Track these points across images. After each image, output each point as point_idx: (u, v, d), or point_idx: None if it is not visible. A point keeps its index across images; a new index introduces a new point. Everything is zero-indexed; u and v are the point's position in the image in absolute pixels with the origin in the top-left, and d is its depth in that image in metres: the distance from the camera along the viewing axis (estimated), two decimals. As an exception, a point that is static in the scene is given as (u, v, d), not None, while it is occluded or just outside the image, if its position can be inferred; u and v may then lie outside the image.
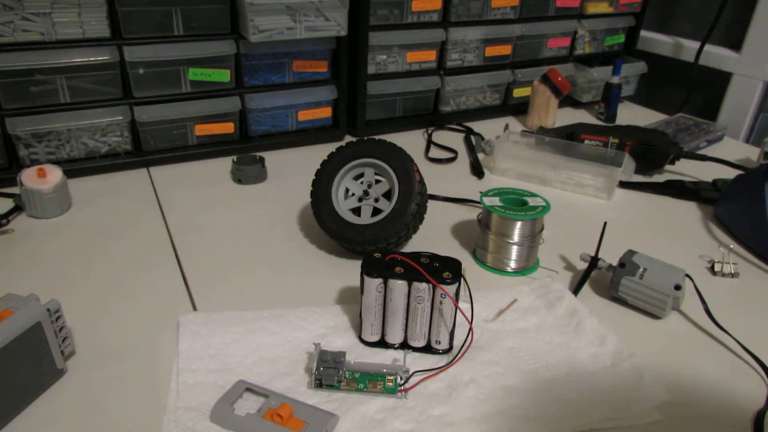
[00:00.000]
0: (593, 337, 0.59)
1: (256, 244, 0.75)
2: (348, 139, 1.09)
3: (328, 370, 0.51)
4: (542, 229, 0.71)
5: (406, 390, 0.52)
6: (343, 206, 0.71)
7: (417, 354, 0.57)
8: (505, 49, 1.17)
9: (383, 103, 1.10)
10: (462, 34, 1.09)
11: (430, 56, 1.10)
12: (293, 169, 0.96)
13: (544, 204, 0.70)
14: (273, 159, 0.98)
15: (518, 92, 1.23)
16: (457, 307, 0.55)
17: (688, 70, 1.28)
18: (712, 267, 0.73)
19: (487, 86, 1.19)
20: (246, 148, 1.00)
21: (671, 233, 0.82)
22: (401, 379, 0.52)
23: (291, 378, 0.53)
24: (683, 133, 1.14)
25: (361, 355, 0.56)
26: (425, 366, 0.54)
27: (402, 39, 1.04)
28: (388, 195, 0.71)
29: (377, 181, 0.72)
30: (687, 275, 0.63)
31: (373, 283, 0.54)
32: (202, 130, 0.96)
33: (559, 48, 1.24)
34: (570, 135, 1.02)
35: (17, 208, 0.79)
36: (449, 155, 1.04)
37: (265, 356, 0.55)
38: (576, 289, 0.67)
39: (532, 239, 0.70)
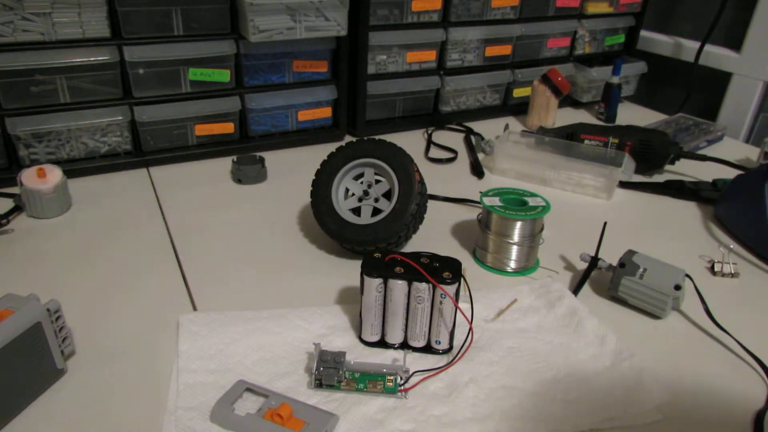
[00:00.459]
0: (593, 337, 0.59)
1: (256, 244, 0.75)
2: (348, 139, 1.09)
3: (328, 370, 0.51)
4: (542, 229, 0.71)
5: (406, 390, 0.52)
6: (343, 206, 0.71)
7: (417, 354, 0.57)
8: (505, 49, 1.17)
9: (383, 103, 1.10)
10: (462, 34, 1.09)
11: (430, 56, 1.10)
12: (293, 169, 0.96)
13: (544, 204, 0.70)
14: (273, 159, 0.98)
15: (518, 92, 1.23)
16: (457, 307, 0.55)
17: (688, 70, 1.28)
18: (712, 267, 0.73)
19: (487, 86, 1.19)
20: (246, 148, 1.00)
21: (671, 233, 0.82)
22: (401, 379, 0.52)
23: (291, 378, 0.53)
24: (683, 133, 1.14)
25: (361, 355, 0.56)
26: (425, 366, 0.54)
27: (402, 39, 1.04)
28: (388, 195, 0.71)
29: (377, 181, 0.72)
30: (687, 275, 0.63)
31: (373, 283, 0.54)
32: (202, 130, 0.96)
33: (559, 48, 1.24)
34: (570, 135, 1.02)
35: (17, 208, 0.79)
36: (449, 155, 1.04)
37: (265, 356, 0.55)
38: (576, 289, 0.67)
39: (532, 239, 0.70)
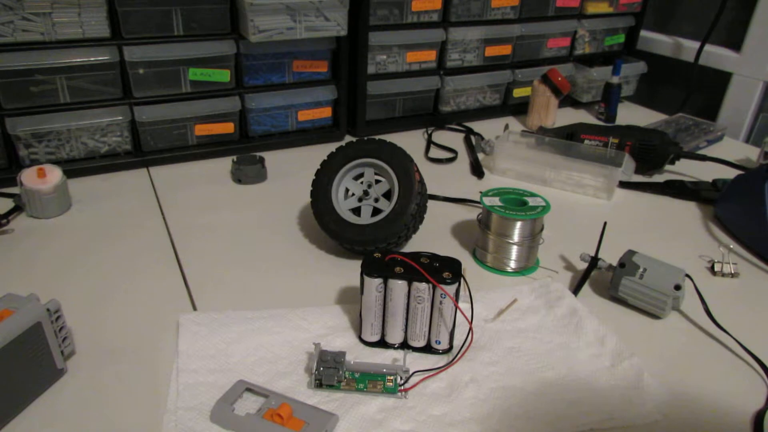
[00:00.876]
0: (593, 337, 0.59)
1: (256, 244, 0.75)
2: (348, 139, 1.09)
3: (328, 370, 0.51)
4: (542, 229, 0.71)
5: (406, 390, 0.52)
6: (343, 206, 0.71)
7: (417, 354, 0.57)
8: (505, 49, 1.17)
9: (383, 103, 1.10)
10: (462, 34, 1.09)
11: (430, 56, 1.10)
12: (293, 169, 0.96)
13: (544, 204, 0.70)
14: (273, 159, 0.98)
15: (518, 92, 1.23)
16: (457, 307, 0.55)
17: (688, 70, 1.28)
18: (712, 267, 0.73)
19: (487, 86, 1.19)
20: (246, 148, 1.00)
21: (671, 233, 0.82)
22: (401, 379, 0.52)
23: (291, 378, 0.53)
24: (683, 133, 1.14)
25: (361, 355, 0.56)
26: (425, 366, 0.54)
27: (402, 39, 1.04)
28: (388, 195, 0.71)
29: (377, 181, 0.72)
30: (687, 275, 0.63)
31: (373, 283, 0.54)
32: (202, 130, 0.96)
33: (559, 48, 1.24)
34: (570, 135, 1.02)
35: (17, 208, 0.79)
36: (449, 155, 1.04)
37: (265, 356, 0.55)
38: (576, 289, 0.67)
39: (532, 239, 0.70)
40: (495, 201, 0.70)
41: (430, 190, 0.91)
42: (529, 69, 1.21)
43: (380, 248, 0.68)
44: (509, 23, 1.14)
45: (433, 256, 0.56)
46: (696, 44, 1.27)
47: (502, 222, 0.69)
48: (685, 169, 1.01)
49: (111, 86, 0.87)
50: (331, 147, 0.84)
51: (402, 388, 0.52)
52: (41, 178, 0.77)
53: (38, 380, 0.50)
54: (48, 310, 0.50)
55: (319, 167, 0.73)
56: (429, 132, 1.14)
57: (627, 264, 0.64)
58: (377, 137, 0.73)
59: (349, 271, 0.70)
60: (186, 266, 0.69)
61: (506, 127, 1.13)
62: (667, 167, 1.00)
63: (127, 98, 0.89)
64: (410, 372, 0.53)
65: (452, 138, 1.13)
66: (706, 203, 0.90)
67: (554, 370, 0.55)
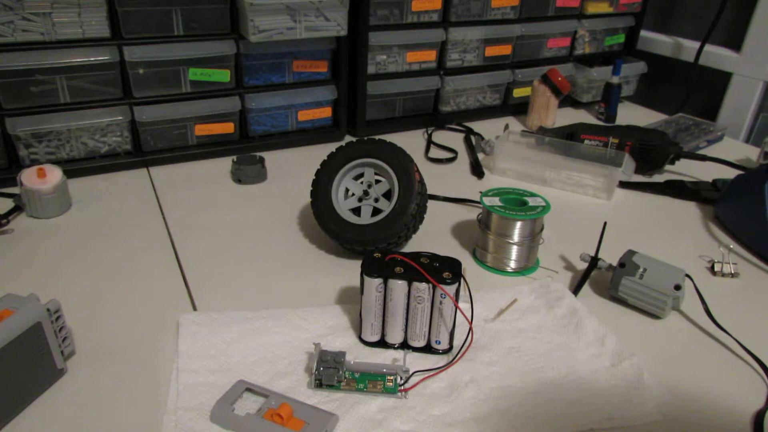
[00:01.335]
0: (593, 337, 0.59)
1: (256, 244, 0.75)
2: (348, 139, 1.09)
3: (328, 370, 0.51)
4: (542, 229, 0.71)
5: (406, 390, 0.52)
6: (343, 206, 0.71)
7: (417, 354, 0.57)
8: (505, 49, 1.17)
9: (383, 103, 1.10)
10: (462, 34, 1.09)
11: (430, 56, 1.10)
12: (293, 169, 0.96)
13: (544, 204, 0.70)
14: (273, 159, 0.98)
15: (518, 92, 1.23)
16: (457, 307, 0.55)
17: (688, 70, 1.28)
18: (712, 267, 0.73)
19: (487, 86, 1.19)
20: (246, 148, 1.00)
21: (671, 233, 0.82)
22: (401, 379, 0.52)
23: (291, 378, 0.53)
24: (683, 133, 1.14)
25: (361, 355, 0.56)
26: (425, 366, 0.54)
27: (402, 39, 1.04)
28: (388, 195, 0.71)
29: (377, 181, 0.72)
30: (687, 275, 0.63)
31: (373, 283, 0.54)
32: (202, 130, 0.96)
33: (559, 48, 1.24)
34: (570, 135, 1.02)
35: (17, 208, 0.79)
36: (449, 155, 1.04)
37: (265, 356, 0.55)
38: (576, 289, 0.67)
39: (532, 239, 0.70)
40: (495, 201, 0.70)
41: (430, 190, 0.91)
42: (529, 69, 1.21)
43: (380, 248, 0.68)
44: (509, 23, 1.14)
45: (433, 256, 0.56)
46: (696, 44, 1.27)
47: (502, 222, 0.69)
48: (685, 169, 1.01)
49: (111, 86, 0.87)
50: (331, 147, 0.84)
51: (402, 388, 0.52)
52: (41, 178, 0.77)
53: (38, 380, 0.50)
54: (48, 310, 0.50)
55: (319, 167, 0.73)
56: (429, 132, 1.14)
57: (627, 264, 0.64)
58: (377, 137, 0.73)
59: (349, 271, 0.70)
60: (186, 266, 0.69)
61: (506, 127, 1.13)
62: (667, 167, 1.00)
63: (127, 98, 0.89)
64: (410, 372, 0.53)
65: (452, 138, 1.13)
66: (706, 203, 0.90)
67: (554, 370, 0.55)
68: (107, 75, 0.86)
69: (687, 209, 0.89)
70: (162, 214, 0.81)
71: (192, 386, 0.51)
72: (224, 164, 0.96)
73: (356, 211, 0.72)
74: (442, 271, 0.54)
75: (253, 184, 0.90)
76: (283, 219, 0.81)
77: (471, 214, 0.84)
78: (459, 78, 1.13)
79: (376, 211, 0.71)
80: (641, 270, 0.63)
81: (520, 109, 1.24)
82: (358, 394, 0.51)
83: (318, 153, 0.91)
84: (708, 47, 1.25)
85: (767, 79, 1.17)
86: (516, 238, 0.69)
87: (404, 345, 0.57)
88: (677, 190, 0.92)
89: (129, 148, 0.93)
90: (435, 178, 0.95)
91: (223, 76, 0.94)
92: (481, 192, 0.72)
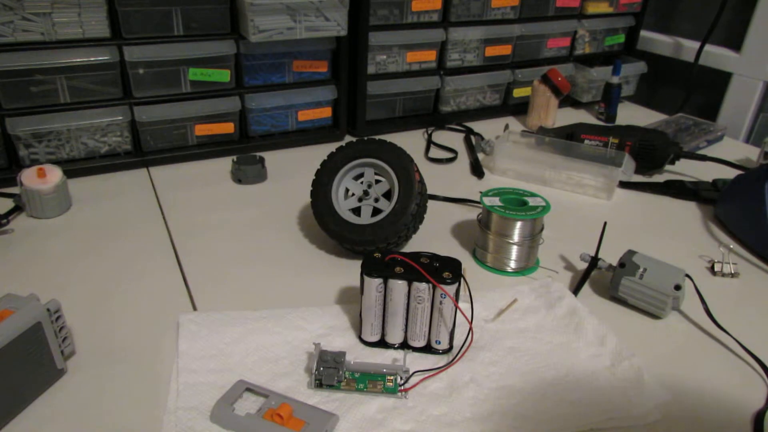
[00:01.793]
0: (593, 337, 0.59)
1: (256, 244, 0.75)
2: (348, 139, 1.09)
3: (328, 370, 0.51)
4: (542, 229, 0.71)
5: (406, 390, 0.52)
6: (343, 206, 0.71)
7: (417, 354, 0.57)
8: (505, 49, 1.17)
9: (383, 103, 1.10)
10: (462, 34, 1.09)
11: (430, 56, 1.10)
12: (293, 169, 0.96)
13: (544, 204, 0.70)
14: (273, 159, 0.98)
15: (518, 92, 1.23)
16: (457, 307, 0.55)
17: (688, 70, 1.28)
18: (712, 267, 0.73)
19: (487, 86, 1.19)
20: (246, 148, 1.00)
21: (671, 233, 0.82)
22: (401, 379, 0.52)
23: (291, 378, 0.53)
24: (683, 133, 1.14)
25: (361, 355, 0.56)
26: (425, 366, 0.54)
27: (402, 39, 1.04)
28: (388, 195, 0.71)
29: (377, 181, 0.72)
30: (687, 275, 0.63)
31: (373, 283, 0.54)
32: (202, 130, 0.96)
33: (559, 48, 1.24)
34: (570, 135, 1.02)
35: (17, 208, 0.79)
36: (449, 155, 1.04)
37: (265, 356, 0.55)
38: (576, 289, 0.67)
39: (532, 239, 0.70)
40: (495, 201, 0.70)
41: (430, 190, 0.91)
42: (529, 69, 1.21)
43: (380, 248, 0.68)
44: (509, 23, 1.14)
45: (433, 256, 0.56)
46: (696, 44, 1.27)
47: (502, 222, 0.69)
48: (685, 169, 1.01)
49: (111, 86, 0.87)
50: (331, 147, 0.84)
51: (402, 388, 0.52)
52: (41, 178, 0.77)
53: (38, 380, 0.50)
54: (48, 310, 0.50)
55: (319, 167, 0.73)
56: (429, 132, 1.14)
57: (627, 264, 0.64)
58: (377, 137, 0.73)
59: (349, 271, 0.70)
60: (186, 266, 0.69)
61: (506, 127, 1.13)
62: (667, 167, 1.00)
63: (127, 98, 0.89)
64: (410, 372, 0.53)
65: (452, 138, 1.13)
66: (706, 203, 0.90)
67: (554, 370, 0.55)
68: (107, 75, 0.86)
69: (687, 209, 0.89)
70: (162, 214, 0.81)
71: (192, 386, 0.51)
72: (224, 164, 0.96)
73: (356, 211, 0.72)
74: (442, 271, 0.54)
75: (253, 184, 0.90)
76: (283, 219, 0.81)
77: (471, 214, 0.84)
78: (459, 78, 1.13)
79: (376, 211, 0.71)
80: (641, 270, 0.63)
81: (520, 109, 1.24)
82: (358, 394, 0.51)
83: (318, 153, 0.91)
84: (708, 47, 1.25)
85: (767, 79, 1.17)
86: (516, 238, 0.69)
87: (404, 345, 0.57)
88: (677, 190, 0.92)
89: (129, 148, 0.93)
90: (435, 178, 0.95)
91: (223, 76, 0.94)
92: (481, 192, 0.72)
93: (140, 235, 0.76)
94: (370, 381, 0.52)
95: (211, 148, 0.98)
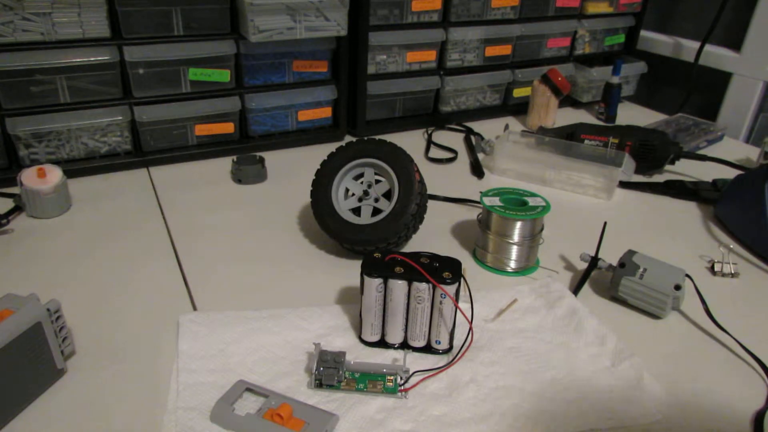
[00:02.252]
0: (593, 337, 0.59)
1: (256, 244, 0.75)
2: (348, 139, 1.09)
3: (328, 370, 0.51)
4: (542, 229, 0.71)
5: (406, 390, 0.52)
6: (343, 206, 0.71)
7: (417, 354, 0.57)
8: (505, 49, 1.17)
9: (383, 103, 1.10)
10: (462, 34, 1.09)
11: (430, 56, 1.10)
12: (293, 169, 0.96)
13: (544, 204, 0.70)
14: (273, 159, 0.98)
15: (518, 92, 1.23)
16: (457, 307, 0.55)
17: (688, 70, 1.28)
18: (712, 267, 0.73)
19: (487, 86, 1.19)
20: (246, 148, 1.00)
21: (671, 233, 0.82)
22: (401, 379, 0.52)
23: (291, 378, 0.53)
24: (683, 133, 1.14)
25: (361, 355, 0.56)
26: (425, 366, 0.54)
27: (402, 39, 1.04)
28: (388, 195, 0.71)
29: (377, 181, 0.72)
30: (687, 275, 0.63)
31: (373, 283, 0.54)
32: (202, 130, 0.96)
33: (559, 48, 1.24)
34: (570, 135, 1.02)
35: (17, 208, 0.79)
36: (449, 155, 1.04)
37: (265, 356, 0.55)
38: (576, 289, 0.67)
39: (532, 239, 0.70)
40: (495, 201, 0.70)
41: (430, 190, 0.91)
42: (529, 69, 1.21)
43: (380, 248, 0.68)
44: (509, 23, 1.14)
45: (433, 256, 0.56)
46: (696, 44, 1.27)
47: (502, 222, 0.69)
48: (685, 169, 1.01)
49: (111, 86, 0.87)
50: (331, 147, 0.84)
51: (402, 388, 0.52)
52: (41, 178, 0.77)
53: (38, 380, 0.50)
54: (48, 310, 0.50)
55: (319, 167, 0.73)
56: (429, 132, 1.14)
57: (627, 264, 0.64)
58: (377, 137, 0.73)
59: (349, 271, 0.70)
60: (186, 266, 0.69)
61: (506, 127, 1.13)
62: (667, 167, 1.00)
63: (127, 98, 0.89)
64: (410, 372, 0.53)
65: (452, 138, 1.13)
66: (706, 203, 0.90)
67: (554, 370, 0.55)
68: (107, 75, 0.86)
69: (687, 209, 0.89)
70: (162, 214, 0.81)
71: (192, 386, 0.51)
72: (224, 164, 0.96)
73: (356, 211, 0.72)
74: (442, 271, 0.54)
75: (253, 184, 0.90)
76: (283, 219, 0.81)
77: (471, 214, 0.84)
78: (459, 78, 1.13)
79: (376, 211, 0.71)
80: (641, 270, 0.63)
81: (520, 109, 1.24)
82: (358, 394, 0.51)
83: (318, 153, 0.91)
84: (708, 47, 1.25)
85: (767, 79, 1.17)
86: (516, 238, 0.69)
87: (404, 345, 0.57)
88: (677, 190, 0.92)
89: (129, 148, 0.93)
90: (435, 178, 0.95)
91: (223, 76, 0.94)
92: (481, 192, 0.72)
93: (140, 235, 0.76)
94: (370, 381, 0.52)
95: (211, 148, 0.98)
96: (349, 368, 0.53)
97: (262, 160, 0.92)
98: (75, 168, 0.88)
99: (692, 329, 0.63)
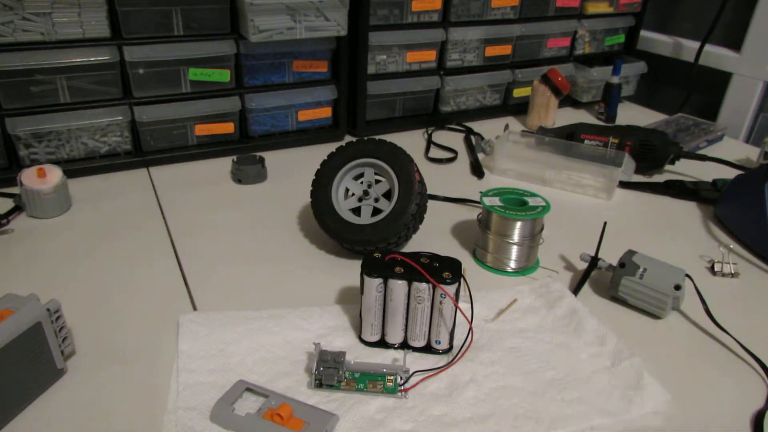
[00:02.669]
0: (593, 337, 0.59)
1: (256, 244, 0.75)
2: (348, 139, 1.09)
3: (328, 370, 0.51)
4: (542, 229, 0.71)
5: (406, 390, 0.52)
6: (343, 206, 0.71)
7: (417, 354, 0.57)
8: (505, 49, 1.17)
9: (383, 103, 1.10)
10: (462, 34, 1.09)
11: (430, 56, 1.10)
12: (293, 169, 0.96)
13: (544, 204, 0.70)
14: (273, 159, 0.98)
15: (518, 92, 1.23)
16: (457, 307, 0.55)
17: (688, 70, 1.28)
18: (712, 267, 0.73)
19: (487, 86, 1.19)
20: (246, 148, 1.00)
21: (671, 233, 0.82)
22: (401, 379, 0.52)
23: (291, 378, 0.53)
24: (683, 133, 1.14)
25: (361, 355, 0.56)
26: (425, 366, 0.54)
27: (402, 39, 1.04)
28: (388, 195, 0.71)
29: (377, 181, 0.72)
30: (687, 275, 0.63)
31: (373, 283, 0.54)
32: (202, 130, 0.96)
33: (559, 48, 1.24)
34: (570, 135, 1.02)
35: (17, 208, 0.79)
36: (449, 155, 1.04)
37: (265, 356, 0.55)
38: (576, 289, 0.67)
39: (532, 239, 0.70)
40: (495, 201, 0.70)
41: (430, 190, 0.91)
42: (529, 69, 1.21)
43: (380, 248, 0.68)
44: (509, 23, 1.14)
45: (433, 256, 0.56)
46: (696, 44, 1.27)
47: (502, 222, 0.69)
48: (685, 169, 1.01)
49: (111, 86, 0.87)
50: (331, 147, 0.84)
51: (402, 388, 0.52)
52: (41, 178, 0.77)
53: (38, 380, 0.50)
54: (48, 310, 0.50)
55: (319, 167, 0.73)
56: (429, 132, 1.14)
57: (627, 264, 0.64)
58: (377, 137, 0.73)
59: (349, 271, 0.70)
60: (186, 266, 0.69)
61: (506, 127, 1.13)
62: (667, 167, 1.00)
63: (127, 98, 0.89)
64: (410, 372, 0.53)
65: (452, 138, 1.13)
66: (706, 203, 0.90)
67: (554, 370, 0.55)
68: (107, 75, 0.86)
69: (687, 209, 0.89)
70: (162, 214, 0.81)
71: (192, 386, 0.51)
72: (224, 164, 0.96)
73: (356, 211, 0.72)
74: (442, 271, 0.54)
75: (253, 184, 0.90)
76: (283, 219, 0.81)
77: (471, 214, 0.84)
78: (459, 78, 1.13)
79: (376, 211, 0.71)
80: (641, 270, 0.63)
81: (520, 109, 1.24)
82: (358, 394, 0.51)
83: (318, 153, 0.91)
84: (708, 47, 1.25)
85: (767, 79, 1.17)
86: (516, 238, 0.69)
87: (404, 345, 0.57)
88: (677, 190, 0.92)
89: (129, 148, 0.93)
90: (435, 178, 0.95)
91: (223, 76, 0.94)
92: (481, 192, 0.72)
93: (140, 235, 0.76)
94: (370, 381, 0.52)
95: (211, 148, 0.98)
96: (349, 368, 0.53)
97: (262, 160, 0.92)
98: (75, 168, 0.88)
99: (692, 329, 0.63)
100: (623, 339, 0.59)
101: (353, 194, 0.72)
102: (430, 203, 0.86)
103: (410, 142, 1.09)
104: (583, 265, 0.71)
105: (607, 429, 0.49)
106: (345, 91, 1.04)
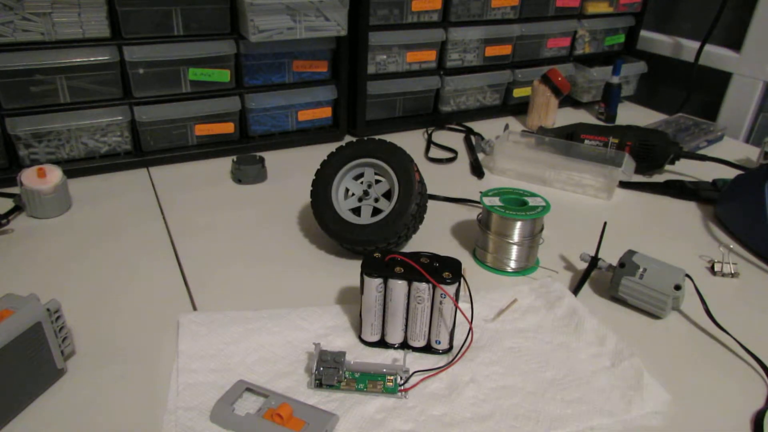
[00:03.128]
0: (593, 337, 0.59)
1: (256, 244, 0.75)
2: (348, 139, 1.09)
3: (328, 370, 0.51)
4: (542, 229, 0.71)
5: (406, 390, 0.52)
6: (343, 206, 0.71)
7: (417, 354, 0.57)
8: (505, 49, 1.17)
9: (383, 103, 1.10)
10: (462, 34, 1.09)
11: (430, 56, 1.10)
12: (293, 169, 0.96)
13: (544, 204, 0.70)
14: (273, 159, 0.98)
15: (518, 92, 1.23)
16: (457, 307, 0.55)
17: (688, 70, 1.28)
18: (712, 267, 0.73)
19: (487, 86, 1.19)
20: (246, 148, 1.00)
21: (671, 233, 0.82)
22: (401, 379, 0.52)
23: (291, 378, 0.53)
24: (683, 133, 1.14)
25: (361, 355, 0.56)
26: (425, 366, 0.54)
27: (402, 39, 1.04)
28: (388, 195, 0.71)
29: (377, 181, 0.72)
30: (687, 275, 0.63)
31: (373, 283, 0.54)
32: (202, 130, 0.96)
33: (559, 48, 1.24)
34: (570, 135, 1.02)
35: (17, 208, 0.79)
36: (449, 155, 1.04)
37: (265, 356, 0.55)
38: (576, 289, 0.67)
39: (532, 239, 0.70)
40: (495, 201, 0.70)
41: (430, 190, 0.91)
42: (529, 69, 1.21)
43: (380, 248, 0.68)
44: (509, 23, 1.14)
45: (433, 256, 0.56)
46: (696, 44, 1.27)
47: (502, 222, 0.69)
48: (685, 169, 1.01)
49: (111, 86, 0.87)
50: (331, 147, 0.84)
51: (402, 388, 0.52)
52: (41, 178, 0.77)
53: (38, 380, 0.50)
54: (48, 310, 0.50)
55: (319, 167, 0.73)
56: (429, 132, 1.14)
57: (627, 264, 0.64)
58: (377, 137, 0.73)
59: (349, 271, 0.70)
60: (186, 266, 0.69)
61: (506, 127, 1.13)
62: (667, 167, 1.00)
63: (127, 98, 0.89)
64: (410, 372, 0.53)
65: (452, 138, 1.13)
66: (706, 203, 0.90)
67: (554, 370, 0.55)
68: (107, 75, 0.86)
69: (687, 209, 0.89)
70: (162, 214, 0.81)
71: (192, 386, 0.51)
72: (224, 164, 0.96)
73: (356, 211, 0.72)
74: (442, 271, 0.54)
75: (253, 184, 0.90)
76: (283, 219, 0.81)
77: (471, 214, 0.84)
78: (459, 78, 1.13)
79: (376, 211, 0.71)
80: (641, 270, 0.63)
81: (520, 109, 1.24)
82: (358, 394, 0.51)
83: (318, 153, 0.91)
84: (708, 47, 1.25)
85: (767, 79, 1.17)
86: (516, 238, 0.69)
87: (404, 345, 0.57)
88: (677, 190, 0.92)
89: (129, 148, 0.93)
90: (435, 178, 0.95)
91: (223, 76, 0.94)
92: (481, 192, 0.72)
93: (140, 235, 0.76)
94: (370, 381, 0.52)
95: (211, 148, 0.98)
96: (349, 368, 0.53)
97: (262, 160, 0.92)
98: (75, 168, 0.88)
99: (692, 329, 0.63)
100: (623, 339, 0.59)
101: (353, 194, 0.72)
102: (430, 203, 0.86)
103: (410, 142, 1.09)
104: (583, 265, 0.71)
105: (607, 429, 0.49)
106: (345, 91, 1.04)
